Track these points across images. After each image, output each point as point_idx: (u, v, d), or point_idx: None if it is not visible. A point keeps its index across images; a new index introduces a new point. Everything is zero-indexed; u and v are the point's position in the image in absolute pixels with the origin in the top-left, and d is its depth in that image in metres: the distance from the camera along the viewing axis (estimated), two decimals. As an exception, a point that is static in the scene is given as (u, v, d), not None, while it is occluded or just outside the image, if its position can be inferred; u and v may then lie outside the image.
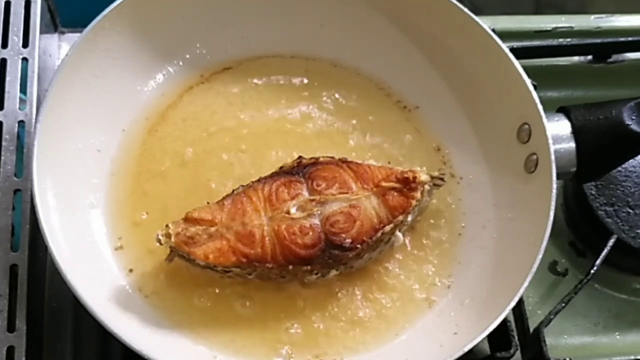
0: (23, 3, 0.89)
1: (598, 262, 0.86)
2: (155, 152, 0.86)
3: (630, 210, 0.91)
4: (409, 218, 0.80)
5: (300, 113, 0.90)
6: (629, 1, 1.19)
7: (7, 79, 0.85)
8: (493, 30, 0.85)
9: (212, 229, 0.75)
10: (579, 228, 0.94)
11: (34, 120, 0.82)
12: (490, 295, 0.79)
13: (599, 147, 0.82)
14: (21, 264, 0.76)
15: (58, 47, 0.96)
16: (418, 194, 0.79)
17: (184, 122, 0.88)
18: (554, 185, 0.78)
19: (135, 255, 0.80)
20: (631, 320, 0.90)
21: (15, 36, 0.87)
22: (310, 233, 0.75)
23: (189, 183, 0.84)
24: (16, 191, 0.79)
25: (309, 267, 0.76)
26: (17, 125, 0.83)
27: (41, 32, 0.88)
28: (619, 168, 0.92)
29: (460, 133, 0.89)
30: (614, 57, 1.03)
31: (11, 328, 0.74)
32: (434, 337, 0.78)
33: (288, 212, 0.76)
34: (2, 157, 0.81)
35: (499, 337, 0.81)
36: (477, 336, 0.72)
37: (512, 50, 0.85)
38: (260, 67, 0.92)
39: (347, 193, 0.78)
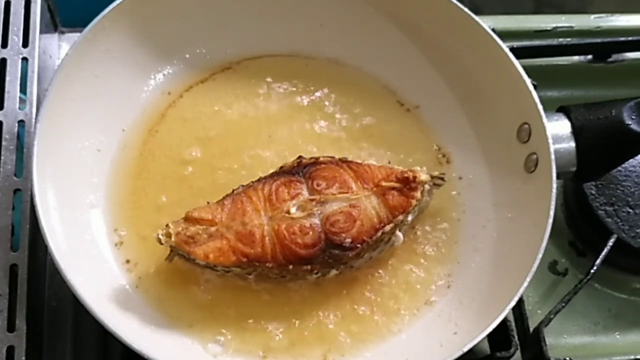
0: (23, 3, 0.89)
1: (598, 261, 0.86)
2: (155, 151, 0.86)
3: (630, 210, 0.91)
4: (409, 218, 0.80)
5: (300, 113, 0.90)
6: (629, 1, 1.19)
7: (7, 78, 0.85)
8: (493, 30, 0.85)
9: (212, 229, 0.75)
10: (579, 228, 0.94)
11: (34, 120, 0.82)
12: (490, 295, 0.79)
13: (599, 147, 0.82)
14: (21, 263, 0.76)
15: (58, 47, 0.96)
16: (418, 194, 0.79)
17: (184, 122, 0.88)
18: (554, 185, 0.78)
19: (135, 255, 0.80)
20: (631, 320, 0.90)
21: (15, 36, 0.87)
22: (311, 233, 0.75)
23: (189, 182, 0.84)
24: (16, 191, 0.79)
25: (309, 267, 0.76)
26: (17, 125, 0.83)
27: (41, 32, 0.88)
28: (619, 168, 0.92)
29: (460, 133, 0.89)
30: (614, 57, 1.03)
31: (11, 328, 0.74)
32: (434, 337, 0.78)
33: (288, 212, 0.76)
34: (2, 157, 0.81)
35: (499, 337, 0.81)
36: (477, 336, 0.72)
37: (512, 50, 0.85)
38: (260, 67, 0.92)
39: (347, 193, 0.78)
